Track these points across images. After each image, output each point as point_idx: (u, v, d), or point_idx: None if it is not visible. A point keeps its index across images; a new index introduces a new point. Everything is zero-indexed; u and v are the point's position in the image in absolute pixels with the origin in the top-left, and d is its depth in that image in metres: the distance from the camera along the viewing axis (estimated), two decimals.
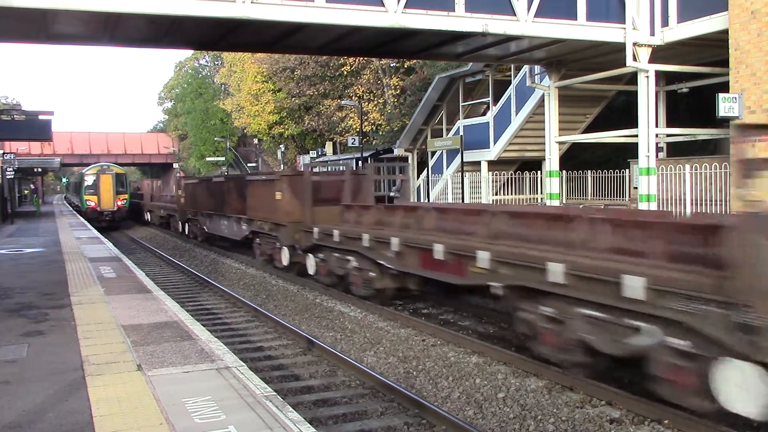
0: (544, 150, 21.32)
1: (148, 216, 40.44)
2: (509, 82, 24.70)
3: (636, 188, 18.10)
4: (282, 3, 13.73)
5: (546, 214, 9.65)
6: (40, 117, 22.88)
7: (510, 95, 24.42)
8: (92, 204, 38.27)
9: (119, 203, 38.85)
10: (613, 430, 6.51)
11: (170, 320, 8.58)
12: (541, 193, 23.87)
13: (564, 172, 22.73)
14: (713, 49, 16.87)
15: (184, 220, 28.98)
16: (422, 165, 30.02)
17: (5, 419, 5.07)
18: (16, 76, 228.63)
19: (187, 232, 28.80)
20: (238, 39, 16.85)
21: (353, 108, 40.84)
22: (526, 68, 22.70)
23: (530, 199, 24.73)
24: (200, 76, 74.10)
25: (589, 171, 22.63)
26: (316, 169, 33.89)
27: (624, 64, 16.93)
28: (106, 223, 37.25)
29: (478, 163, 25.02)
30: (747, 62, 14.50)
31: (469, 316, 11.64)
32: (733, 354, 5.70)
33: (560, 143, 21.32)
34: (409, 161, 30.18)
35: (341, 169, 29.39)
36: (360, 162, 31.21)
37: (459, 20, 15.06)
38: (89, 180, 38.89)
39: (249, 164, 62.15)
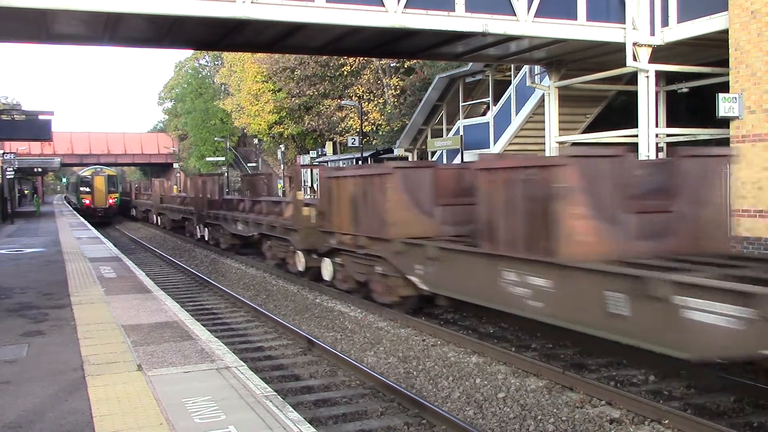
0: (544, 150, 21.31)
1: (203, 233, 25.83)
2: (509, 82, 24.68)
3: None
4: (282, 3, 13.72)
5: None
6: (40, 117, 22.85)
7: (510, 95, 24.40)
8: (87, 202, 44.10)
9: (110, 201, 44.82)
10: (613, 430, 6.51)
11: (170, 320, 8.58)
12: None
13: None
14: (713, 49, 16.85)
15: (322, 252, 14.40)
16: None
17: (5, 419, 5.07)
18: (16, 76, 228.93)
19: (329, 277, 14.24)
20: (238, 39, 16.84)
21: (353, 108, 40.87)
22: (526, 68, 22.68)
23: None
24: (200, 76, 74.22)
25: None
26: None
27: (624, 64, 16.91)
28: (99, 219, 41.99)
29: None
30: (747, 62, 14.50)
31: (469, 316, 11.62)
32: None
33: (560, 143, 21.30)
34: None
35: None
36: (359, 162, 31.14)
37: (459, 20, 15.05)
38: (85, 181, 44.88)
39: (249, 164, 62.17)
